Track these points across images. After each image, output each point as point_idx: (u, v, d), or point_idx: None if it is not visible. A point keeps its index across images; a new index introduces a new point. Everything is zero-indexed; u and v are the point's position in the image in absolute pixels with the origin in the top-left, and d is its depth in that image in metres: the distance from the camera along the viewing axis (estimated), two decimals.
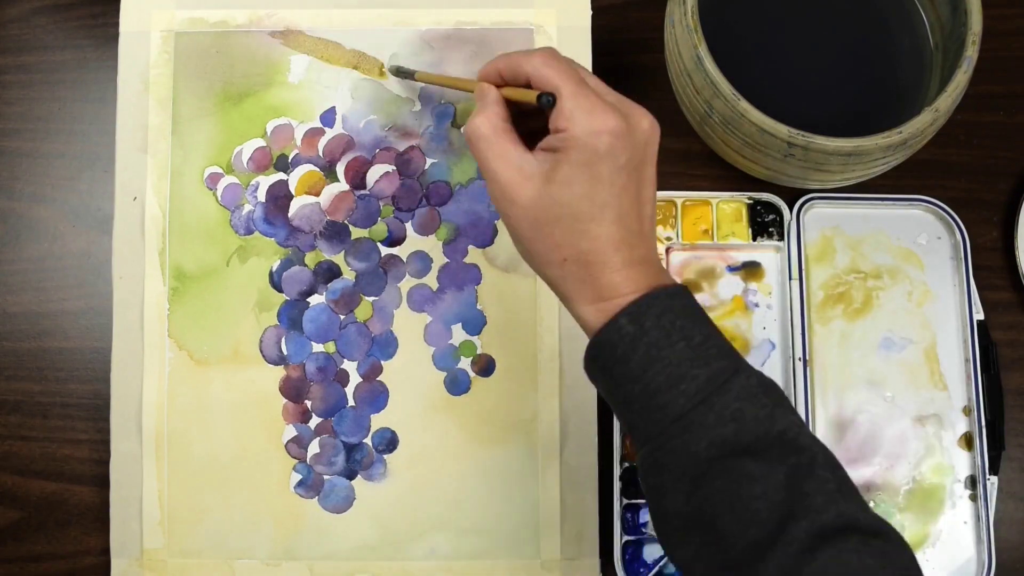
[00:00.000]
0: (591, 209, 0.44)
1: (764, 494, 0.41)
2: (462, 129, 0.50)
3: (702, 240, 0.66)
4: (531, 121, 0.49)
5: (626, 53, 0.69)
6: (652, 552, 0.62)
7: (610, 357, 0.44)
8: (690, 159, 0.68)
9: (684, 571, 0.43)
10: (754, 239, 0.66)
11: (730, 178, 0.67)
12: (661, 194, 0.66)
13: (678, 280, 0.66)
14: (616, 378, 0.44)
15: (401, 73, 0.63)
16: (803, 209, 0.66)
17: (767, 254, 0.66)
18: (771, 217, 0.66)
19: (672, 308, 0.44)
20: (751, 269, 0.66)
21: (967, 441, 0.64)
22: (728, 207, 0.66)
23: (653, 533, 0.62)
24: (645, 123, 0.46)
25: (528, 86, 0.47)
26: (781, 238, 0.66)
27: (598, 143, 0.44)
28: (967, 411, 0.64)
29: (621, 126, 0.44)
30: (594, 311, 0.45)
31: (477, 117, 0.47)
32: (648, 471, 0.44)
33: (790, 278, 0.65)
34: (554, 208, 0.44)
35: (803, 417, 0.63)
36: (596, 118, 0.44)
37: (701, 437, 0.42)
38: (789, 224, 0.66)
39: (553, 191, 0.44)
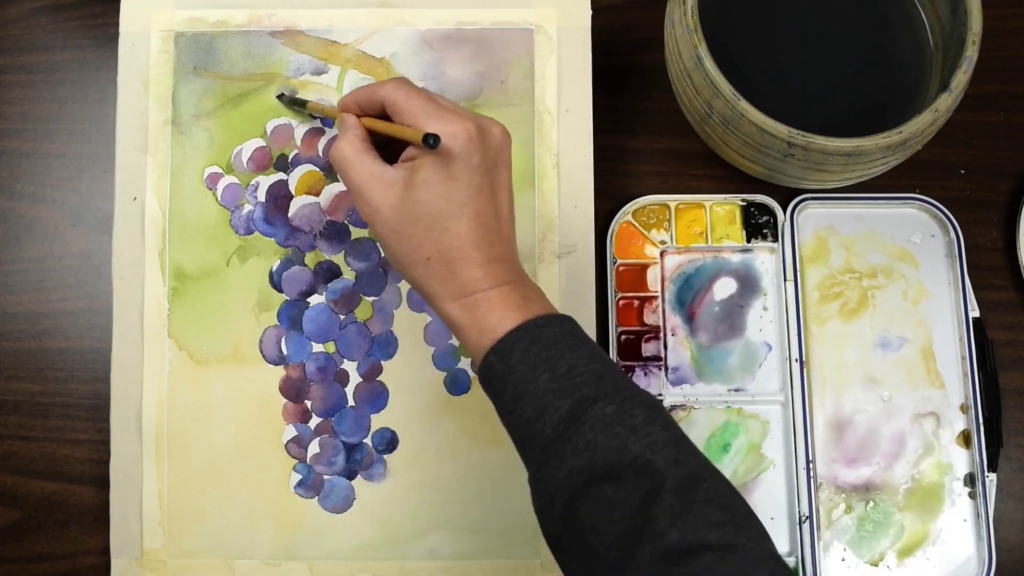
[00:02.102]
0: (450, 207, 0.47)
1: (621, 518, 0.42)
2: (329, 154, 0.53)
3: (697, 243, 0.66)
4: (390, 148, 0.52)
5: (626, 53, 0.69)
6: None
7: (489, 392, 0.47)
8: (690, 159, 0.68)
9: None
10: (748, 241, 0.66)
11: (729, 178, 0.67)
12: (655, 197, 0.66)
13: (669, 283, 0.66)
14: (498, 408, 0.47)
15: (287, 100, 0.63)
16: (796, 210, 0.66)
17: (762, 256, 0.66)
18: (765, 219, 0.66)
19: (539, 339, 0.46)
20: (746, 271, 0.66)
21: (965, 439, 0.64)
22: (722, 209, 0.66)
23: None
24: (496, 129, 0.49)
25: (384, 114, 0.50)
26: (775, 239, 0.66)
27: (453, 144, 0.47)
28: (964, 408, 0.64)
29: (472, 129, 0.48)
30: (458, 308, 0.48)
31: (340, 141, 0.50)
32: (534, 495, 0.46)
33: (785, 279, 0.65)
34: (415, 208, 0.47)
35: (801, 419, 0.63)
36: (449, 123, 0.47)
37: (561, 466, 0.44)
38: (783, 225, 0.66)
39: (413, 194, 0.47)
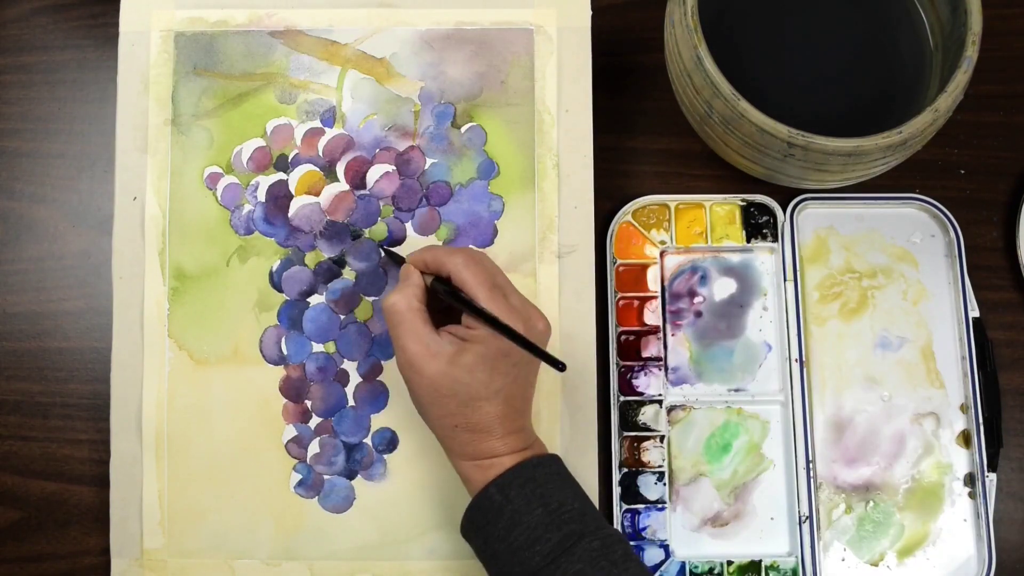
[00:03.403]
0: (486, 392, 0.52)
1: None
2: (382, 303, 0.55)
3: (696, 243, 0.66)
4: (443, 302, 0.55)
5: (626, 53, 0.69)
6: (652, 557, 0.62)
7: (482, 520, 0.52)
8: (690, 159, 0.68)
9: None
10: (748, 241, 0.66)
11: (729, 178, 0.67)
12: (655, 197, 0.66)
13: (667, 284, 0.66)
14: (487, 537, 0.52)
15: (387, 252, 0.62)
16: (796, 210, 0.66)
17: (762, 256, 0.66)
18: (765, 219, 0.66)
19: (535, 478, 0.52)
20: (745, 271, 0.66)
21: (965, 438, 0.64)
22: (722, 209, 0.66)
23: (653, 537, 0.63)
24: (540, 325, 0.54)
25: (449, 278, 0.54)
26: (775, 239, 0.66)
27: (501, 344, 0.52)
28: (964, 408, 0.64)
29: (520, 330, 0.52)
30: (472, 466, 0.53)
31: (395, 294, 0.54)
32: None
33: (784, 279, 0.65)
34: (453, 385, 0.52)
35: (800, 419, 0.63)
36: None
37: None
38: (783, 225, 0.66)
39: (455, 372, 0.52)
